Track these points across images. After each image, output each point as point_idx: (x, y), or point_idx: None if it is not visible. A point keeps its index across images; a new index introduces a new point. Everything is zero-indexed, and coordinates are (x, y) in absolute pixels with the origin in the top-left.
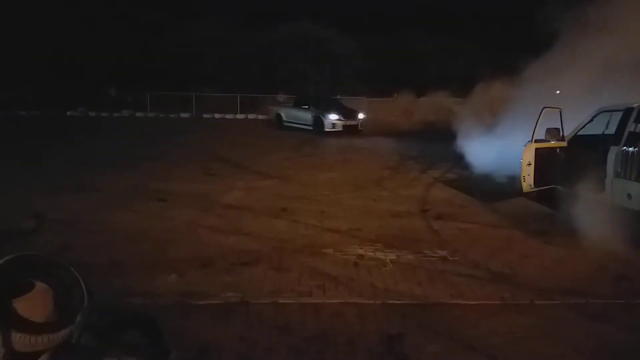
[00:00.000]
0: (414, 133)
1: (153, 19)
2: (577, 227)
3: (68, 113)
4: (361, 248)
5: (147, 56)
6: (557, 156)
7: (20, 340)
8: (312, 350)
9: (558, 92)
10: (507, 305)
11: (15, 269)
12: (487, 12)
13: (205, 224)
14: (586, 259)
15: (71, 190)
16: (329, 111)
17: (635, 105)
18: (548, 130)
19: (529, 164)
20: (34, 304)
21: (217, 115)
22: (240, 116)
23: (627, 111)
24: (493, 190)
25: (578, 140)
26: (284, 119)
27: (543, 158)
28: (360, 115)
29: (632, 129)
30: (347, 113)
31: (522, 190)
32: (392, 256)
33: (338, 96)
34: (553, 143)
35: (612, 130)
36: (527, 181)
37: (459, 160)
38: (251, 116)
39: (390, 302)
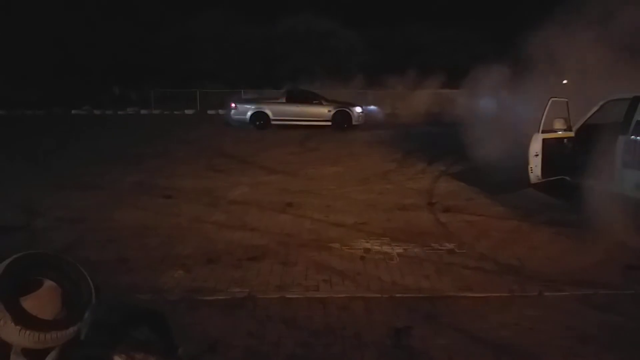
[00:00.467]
0: (419, 125)
1: (155, 15)
2: (585, 217)
3: (73, 112)
4: (368, 242)
5: (150, 53)
6: (565, 146)
7: (29, 337)
8: (319, 344)
9: (565, 81)
10: (515, 297)
11: (24, 267)
12: (491, 2)
13: (211, 219)
14: (595, 249)
15: (77, 188)
16: (353, 105)
17: None
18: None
19: (536, 155)
20: (42, 302)
21: (221, 112)
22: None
23: (635, 100)
24: (500, 182)
25: (586, 130)
26: (272, 117)
27: (550, 149)
28: (358, 109)
29: None
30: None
31: (529, 181)
32: (399, 249)
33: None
34: (560, 133)
35: (620, 119)
36: (535, 172)
37: (465, 152)
38: None
39: (397, 295)
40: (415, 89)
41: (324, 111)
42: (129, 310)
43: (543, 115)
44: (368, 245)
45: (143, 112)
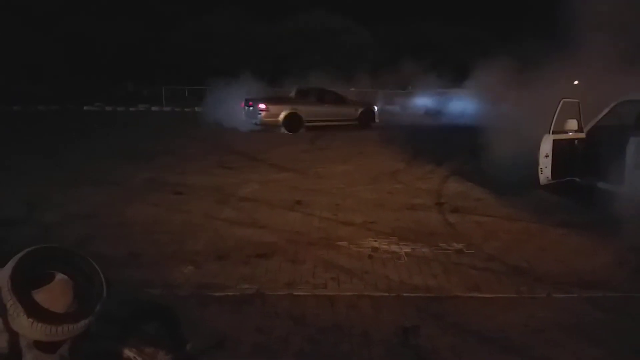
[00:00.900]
0: (429, 125)
1: (168, 12)
2: (595, 219)
3: (85, 108)
4: (376, 241)
5: (162, 50)
6: (575, 148)
7: (41, 330)
8: (327, 341)
9: (576, 82)
10: (524, 298)
11: (36, 260)
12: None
13: (221, 216)
14: (605, 252)
15: (89, 184)
16: (373, 104)
17: None
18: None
19: (547, 156)
20: (54, 295)
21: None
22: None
23: None
24: (510, 183)
25: (597, 132)
26: (305, 118)
27: (561, 150)
28: (376, 108)
29: None
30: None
31: (539, 182)
32: (407, 249)
33: (352, 89)
34: (571, 134)
35: (632, 121)
36: (545, 173)
37: (475, 152)
38: None
39: (405, 294)
40: (425, 87)
41: (352, 111)
42: (140, 304)
43: (554, 116)
44: (376, 244)
45: (154, 108)
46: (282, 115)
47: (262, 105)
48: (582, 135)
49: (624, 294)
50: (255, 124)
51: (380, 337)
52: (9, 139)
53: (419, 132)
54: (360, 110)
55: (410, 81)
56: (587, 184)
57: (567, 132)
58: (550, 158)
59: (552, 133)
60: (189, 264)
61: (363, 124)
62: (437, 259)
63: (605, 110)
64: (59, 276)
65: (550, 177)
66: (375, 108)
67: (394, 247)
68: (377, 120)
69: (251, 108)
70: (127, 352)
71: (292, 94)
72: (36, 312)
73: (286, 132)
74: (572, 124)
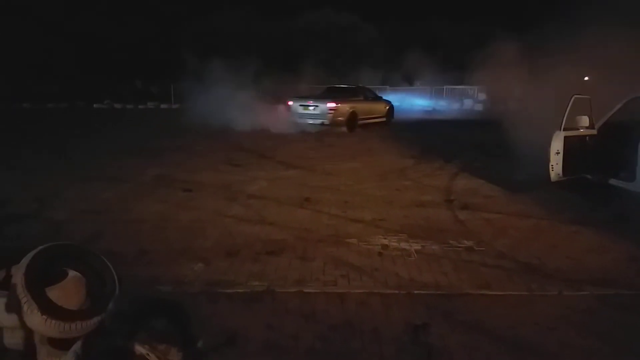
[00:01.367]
0: (438, 121)
1: (176, 11)
2: (606, 216)
3: (94, 105)
4: (385, 238)
5: (171, 48)
6: (587, 144)
7: (55, 327)
8: (337, 338)
9: (587, 78)
10: (535, 295)
11: (49, 258)
12: None
13: (230, 213)
14: (616, 249)
15: (99, 181)
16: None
17: None
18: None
19: (558, 153)
20: (67, 292)
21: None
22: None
23: None
24: (520, 179)
25: (608, 128)
26: (359, 116)
27: (572, 146)
28: None
29: None
30: None
31: (550, 179)
32: (417, 246)
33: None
34: (583, 131)
35: None
36: (555, 170)
37: (485, 148)
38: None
39: (415, 292)
40: (432, 84)
41: (382, 107)
42: (151, 301)
43: (565, 112)
44: (386, 242)
45: (163, 106)
46: (346, 114)
47: (331, 105)
48: (594, 131)
49: (636, 292)
50: (323, 123)
51: (390, 335)
52: (19, 136)
53: (429, 128)
54: (387, 107)
55: (417, 77)
56: (599, 180)
57: (579, 129)
58: (561, 155)
59: (564, 129)
60: (199, 261)
61: (388, 120)
62: (447, 256)
63: (617, 107)
64: (72, 274)
65: (561, 173)
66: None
67: (403, 245)
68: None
69: (311, 108)
70: (140, 349)
71: (323, 91)
72: (50, 309)
73: (347, 130)
74: (584, 120)
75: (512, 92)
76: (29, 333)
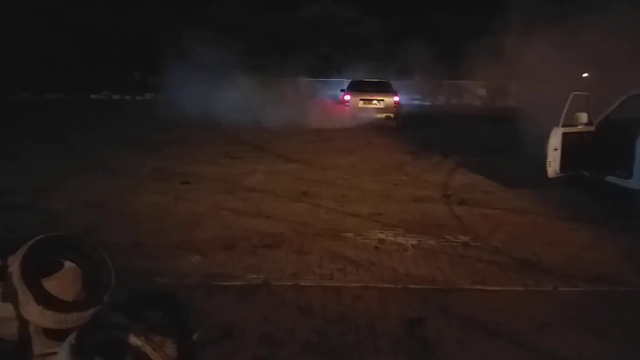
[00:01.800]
0: (437, 116)
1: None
2: (603, 213)
3: (92, 96)
4: (382, 232)
5: (169, 40)
6: (585, 141)
7: (50, 318)
8: (333, 331)
9: (585, 74)
10: (530, 291)
11: (46, 248)
12: None
13: (227, 206)
14: (612, 246)
15: (97, 172)
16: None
17: None
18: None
19: (555, 149)
20: (63, 283)
21: None
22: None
23: None
24: (517, 175)
25: (606, 125)
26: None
27: (570, 143)
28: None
29: None
30: None
31: (547, 176)
32: (414, 241)
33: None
34: (581, 128)
35: None
36: (553, 167)
37: (483, 144)
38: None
39: (411, 286)
40: (433, 78)
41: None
42: (147, 294)
43: (564, 108)
44: (382, 236)
45: (161, 97)
46: (399, 108)
47: (397, 99)
48: (592, 128)
49: (630, 288)
50: (388, 117)
51: (386, 329)
52: (18, 127)
53: (427, 123)
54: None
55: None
56: (596, 177)
57: (577, 125)
58: (559, 151)
59: (562, 126)
60: (196, 253)
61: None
62: (444, 251)
63: (615, 104)
64: (68, 264)
65: (558, 170)
66: None
67: (400, 239)
68: None
69: (375, 102)
70: (136, 341)
71: (348, 86)
72: (46, 299)
73: (395, 125)
74: (582, 117)
75: (510, 88)
76: (24, 323)
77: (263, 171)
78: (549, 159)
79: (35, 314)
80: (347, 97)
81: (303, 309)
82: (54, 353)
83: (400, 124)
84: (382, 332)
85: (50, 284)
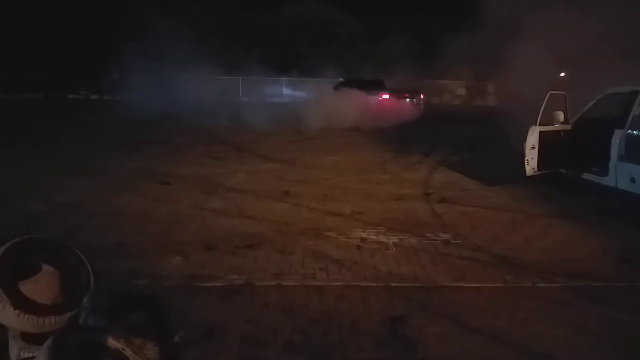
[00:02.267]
0: (418, 116)
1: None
2: (580, 210)
3: (70, 96)
4: (364, 231)
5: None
6: (562, 139)
7: (27, 322)
8: (316, 331)
9: (562, 74)
10: (510, 287)
11: (23, 251)
12: None
13: (209, 206)
14: (589, 242)
15: (77, 173)
16: None
17: None
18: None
19: (533, 148)
20: (41, 287)
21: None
22: (244, 99)
23: (633, 94)
24: (496, 174)
25: (583, 124)
26: None
27: (547, 141)
28: None
29: (637, 112)
30: None
31: (525, 173)
32: (395, 239)
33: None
34: (558, 126)
35: (617, 113)
36: (531, 164)
37: (463, 143)
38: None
39: (393, 284)
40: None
41: None
42: (127, 295)
43: (541, 107)
44: (364, 235)
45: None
46: None
47: (422, 96)
48: (568, 127)
49: (608, 283)
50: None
51: (368, 327)
52: None
53: (409, 122)
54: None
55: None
56: (573, 175)
57: (554, 124)
58: (536, 149)
59: (539, 124)
60: (177, 254)
61: None
62: (425, 249)
63: (592, 103)
64: (46, 267)
65: (536, 168)
66: None
67: (382, 238)
68: None
69: (407, 100)
70: (115, 343)
71: (338, 84)
72: (23, 303)
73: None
74: (559, 115)
75: (488, 88)
76: (0, 328)
77: (245, 171)
78: (526, 157)
79: (12, 318)
80: (385, 96)
81: (285, 308)
82: (32, 357)
83: None
84: (365, 330)
85: (27, 287)
